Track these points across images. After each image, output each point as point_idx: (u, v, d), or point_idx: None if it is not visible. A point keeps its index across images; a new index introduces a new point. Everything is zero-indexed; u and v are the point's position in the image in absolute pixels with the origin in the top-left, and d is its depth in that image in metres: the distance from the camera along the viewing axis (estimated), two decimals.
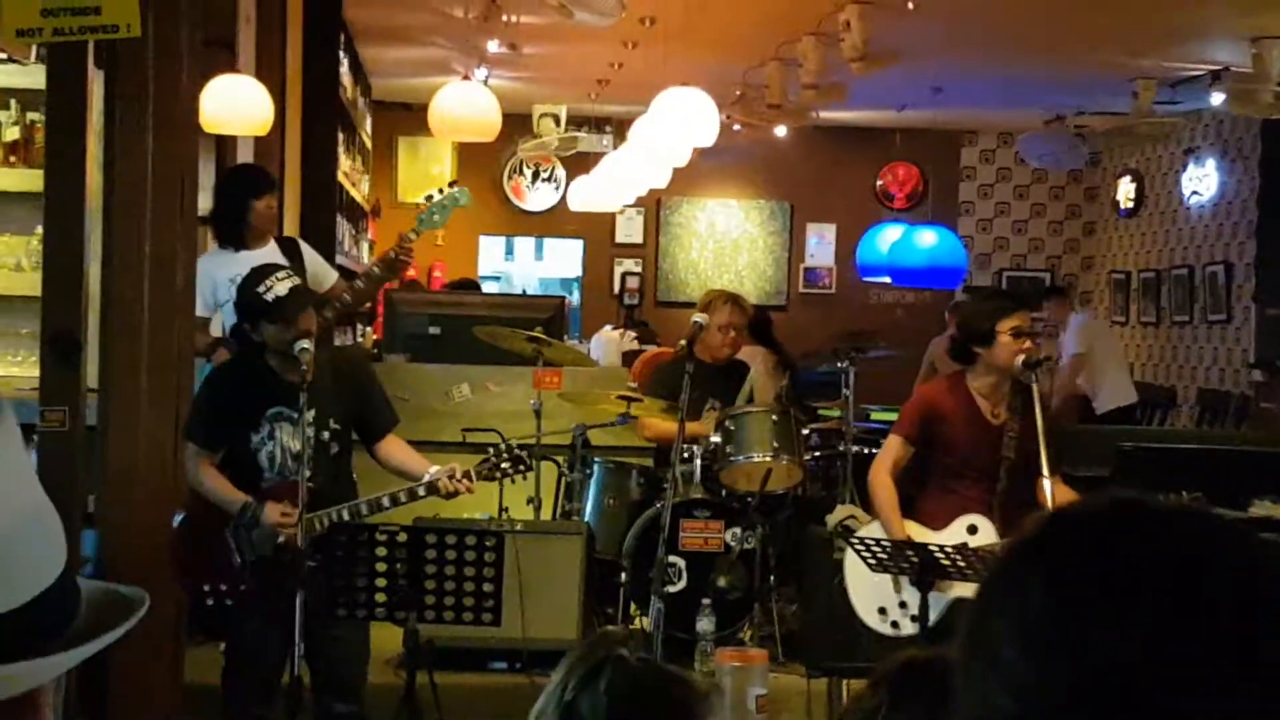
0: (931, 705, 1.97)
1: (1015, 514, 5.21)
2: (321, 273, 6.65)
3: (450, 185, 6.50)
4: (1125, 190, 14.32)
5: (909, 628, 5.22)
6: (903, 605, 5.26)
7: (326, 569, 4.75)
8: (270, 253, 6.33)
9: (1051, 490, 5.00)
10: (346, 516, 4.88)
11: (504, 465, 5.09)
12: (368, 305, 10.01)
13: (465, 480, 4.95)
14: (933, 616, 5.14)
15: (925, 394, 5.64)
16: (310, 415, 4.92)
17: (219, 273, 6.46)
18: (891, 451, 5.48)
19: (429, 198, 6.44)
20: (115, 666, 5.20)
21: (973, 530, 5.25)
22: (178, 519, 5.18)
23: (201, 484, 5.05)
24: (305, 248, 6.75)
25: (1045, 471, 5.01)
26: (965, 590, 5.11)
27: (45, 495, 1.16)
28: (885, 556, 5.16)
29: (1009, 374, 5.30)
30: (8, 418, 1.13)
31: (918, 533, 5.30)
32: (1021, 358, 5.24)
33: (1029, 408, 5.25)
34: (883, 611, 5.33)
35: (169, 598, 5.25)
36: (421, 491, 4.96)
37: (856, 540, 5.31)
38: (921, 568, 5.07)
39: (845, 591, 5.49)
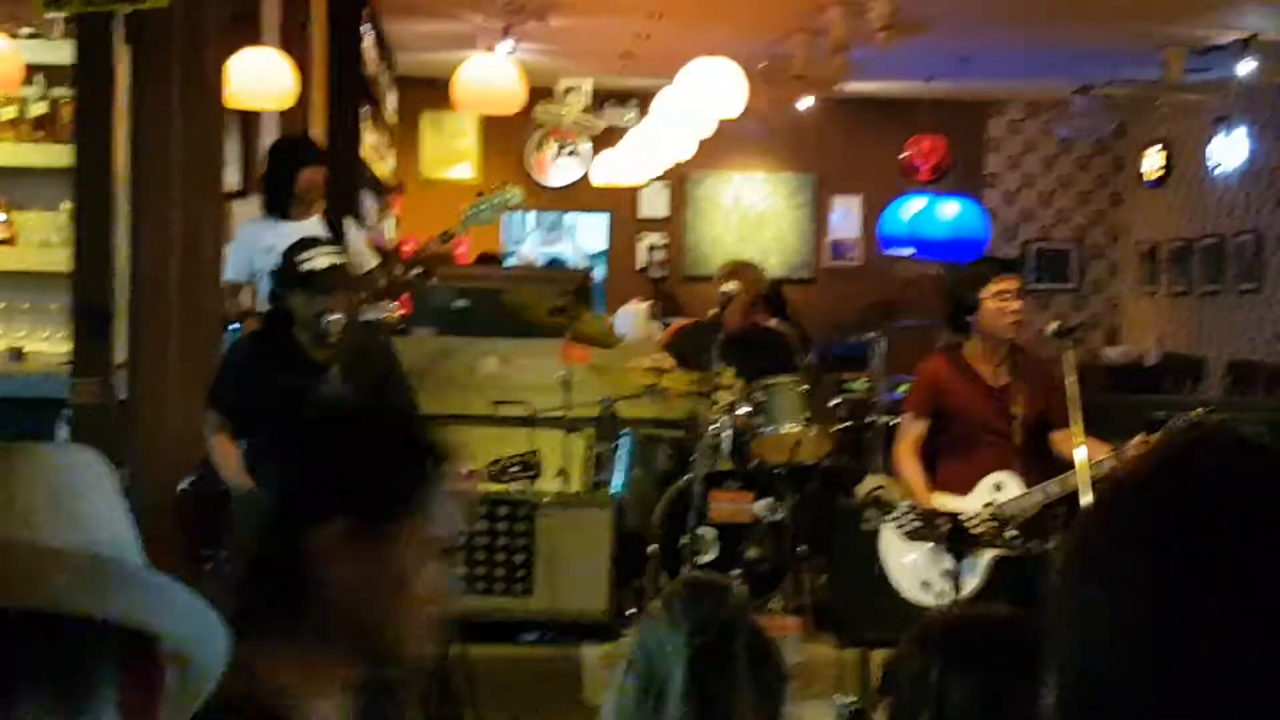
0: (987, 666, 1.95)
1: (1036, 466, 5.33)
2: (361, 256, 6.64)
3: (503, 185, 6.56)
4: (1153, 160, 14.22)
5: (953, 595, 5.22)
6: (945, 574, 5.26)
7: None
8: (313, 226, 6.34)
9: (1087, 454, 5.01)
10: None
11: (514, 469, 5.09)
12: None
13: (473, 480, 4.95)
14: (974, 581, 5.19)
15: (925, 371, 5.72)
16: None
17: (257, 241, 6.48)
18: (907, 430, 5.62)
19: (480, 195, 6.52)
20: None
21: (998, 487, 5.33)
22: (187, 480, 5.18)
23: (213, 453, 5.07)
24: (351, 228, 6.75)
25: (1078, 439, 5.02)
26: (1002, 551, 5.18)
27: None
28: (919, 523, 5.20)
29: (1000, 336, 5.40)
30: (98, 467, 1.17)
31: (946, 502, 5.36)
32: (1010, 319, 5.34)
33: (1033, 368, 5.45)
34: (926, 585, 5.36)
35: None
36: None
37: (888, 513, 5.33)
38: (950, 537, 5.09)
39: (885, 575, 5.53)
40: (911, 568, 5.42)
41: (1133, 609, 0.94)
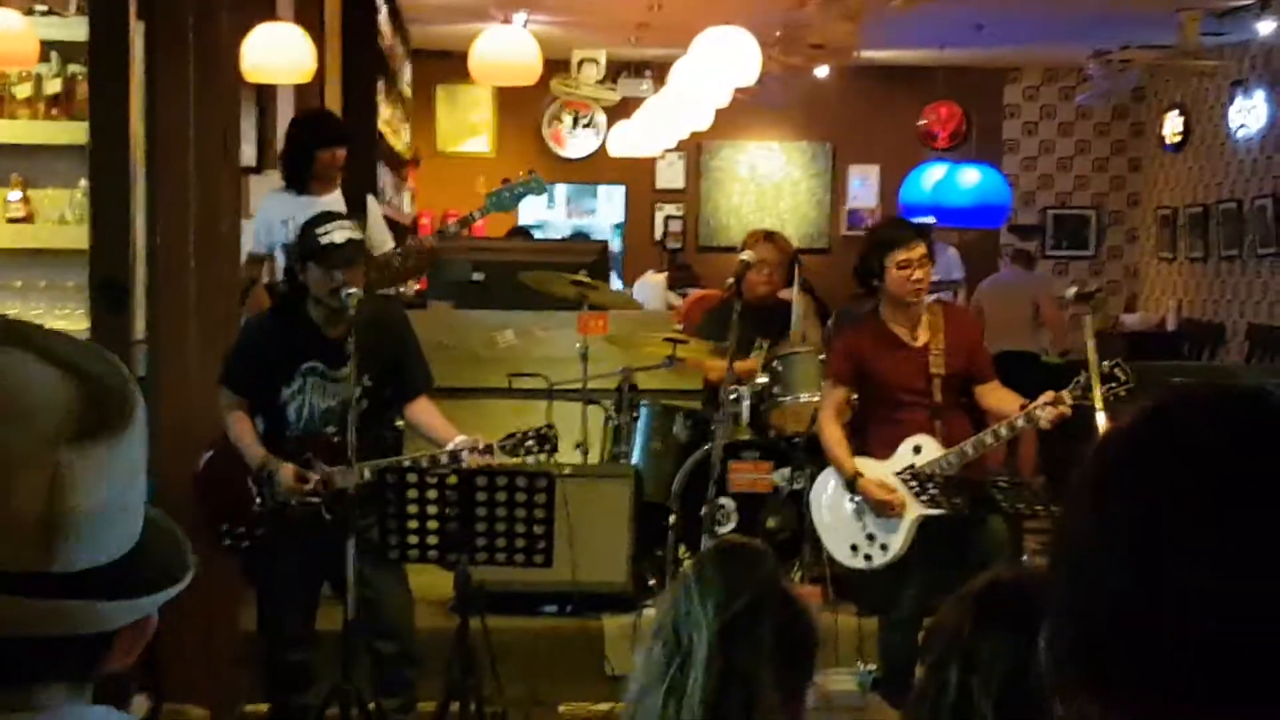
0: (1016, 625, 1.96)
1: (957, 426, 5.41)
2: (379, 236, 6.62)
3: (529, 173, 6.56)
4: (1172, 125, 14.14)
5: (881, 558, 5.42)
6: (870, 538, 5.44)
7: (379, 513, 4.76)
8: (333, 201, 6.33)
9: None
10: (368, 475, 4.86)
11: (529, 443, 5.06)
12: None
13: (488, 454, 4.93)
14: (899, 542, 5.36)
15: (846, 338, 5.82)
16: (343, 371, 4.92)
17: (276, 213, 6.48)
18: (830, 397, 5.67)
19: (506, 181, 6.56)
20: (173, 614, 5.23)
21: (917, 450, 5.39)
22: (206, 456, 5.19)
23: (230, 430, 5.08)
24: (373, 207, 6.72)
25: (1097, 402, 5.06)
26: (925, 510, 5.31)
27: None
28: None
29: (905, 301, 5.43)
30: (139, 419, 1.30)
31: (867, 467, 5.45)
32: (910, 288, 5.38)
33: (954, 324, 5.51)
34: (854, 548, 5.50)
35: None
36: (444, 459, 4.93)
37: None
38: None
39: (817, 537, 5.69)
40: (836, 532, 5.56)
41: (1114, 548, 0.97)
